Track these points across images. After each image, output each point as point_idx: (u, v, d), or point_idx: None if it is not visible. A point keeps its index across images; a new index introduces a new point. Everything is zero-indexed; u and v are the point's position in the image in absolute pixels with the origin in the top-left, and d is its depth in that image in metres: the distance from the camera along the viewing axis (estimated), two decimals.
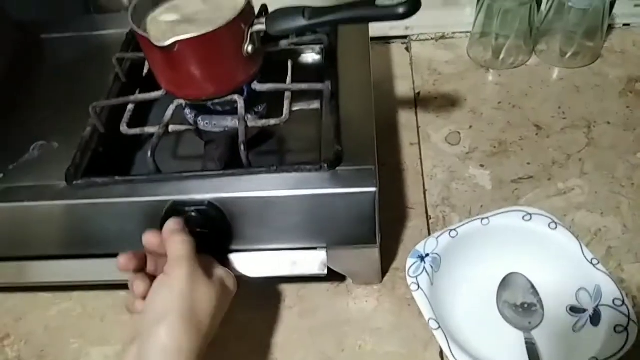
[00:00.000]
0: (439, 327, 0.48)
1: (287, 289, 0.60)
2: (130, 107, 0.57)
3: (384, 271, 0.60)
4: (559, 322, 0.52)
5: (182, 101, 0.54)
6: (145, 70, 0.62)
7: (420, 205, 0.65)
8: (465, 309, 0.54)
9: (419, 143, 0.72)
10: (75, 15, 0.81)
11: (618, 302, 0.49)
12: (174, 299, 0.42)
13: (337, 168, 0.50)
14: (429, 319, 0.49)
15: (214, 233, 0.50)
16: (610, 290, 0.50)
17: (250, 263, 0.53)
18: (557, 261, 0.54)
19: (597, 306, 0.50)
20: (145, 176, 0.51)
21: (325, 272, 0.52)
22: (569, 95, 0.76)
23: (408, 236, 0.63)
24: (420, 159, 0.70)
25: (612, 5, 0.75)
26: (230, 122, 0.55)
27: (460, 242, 0.55)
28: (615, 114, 0.72)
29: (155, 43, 0.47)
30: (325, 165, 0.49)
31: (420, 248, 0.54)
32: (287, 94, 0.54)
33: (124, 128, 0.55)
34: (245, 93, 0.55)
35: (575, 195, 0.64)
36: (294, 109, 0.55)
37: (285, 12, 0.50)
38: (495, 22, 0.76)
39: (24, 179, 0.53)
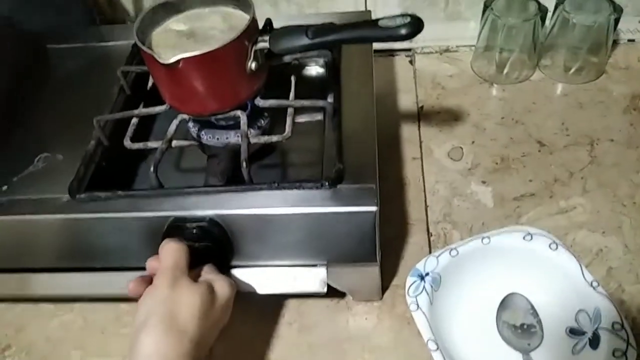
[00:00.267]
0: (438, 348, 0.48)
1: (286, 304, 0.60)
2: (134, 120, 0.57)
3: (384, 288, 0.60)
4: (558, 344, 0.52)
5: (185, 115, 0.55)
6: (150, 84, 0.62)
7: (422, 221, 0.65)
8: (465, 329, 0.54)
9: (422, 158, 0.72)
10: (81, 26, 0.82)
11: (617, 326, 0.48)
12: (155, 304, 0.43)
13: (339, 185, 0.50)
14: (428, 340, 0.49)
15: (214, 249, 0.50)
16: (609, 314, 0.49)
17: (250, 279, 0.53)
18: (557, 282, 0.54)
19: (596, 329, 0.50)
20: (147, 191, 0.52)
21: (325, 290, 0.53)
22: (572, 111, 0.75)
23: (409, 253, 0.63)
24: (423, 174, 0.70)
25: (616, 21, 0.74)
26: (233, 137, 0.55)
27: (460, 261, 0.55)
28: (618, 132, 0.72)
29: (160, 61, 0.47)
30: (327, 183, 0.49)
31: (420, 267, 0.54)
32: (290, 110, 0.54)
33: (127, 142, 0.55)
34: (249, 108, 0.55)
35: (577, 213, 0.64)
36: (298, 120, 0.55)
37: (289, 31, 0.50)
38: (499, 36, 0.76)
39: (27, 191, 0.53)
